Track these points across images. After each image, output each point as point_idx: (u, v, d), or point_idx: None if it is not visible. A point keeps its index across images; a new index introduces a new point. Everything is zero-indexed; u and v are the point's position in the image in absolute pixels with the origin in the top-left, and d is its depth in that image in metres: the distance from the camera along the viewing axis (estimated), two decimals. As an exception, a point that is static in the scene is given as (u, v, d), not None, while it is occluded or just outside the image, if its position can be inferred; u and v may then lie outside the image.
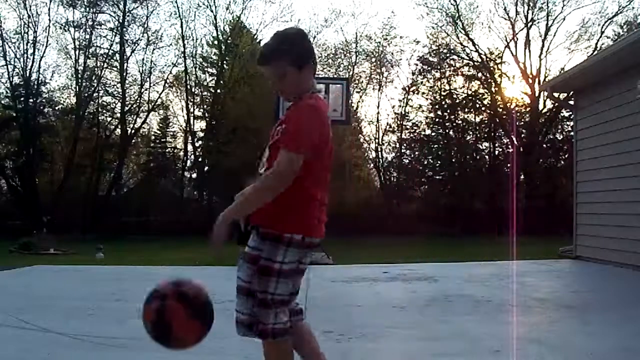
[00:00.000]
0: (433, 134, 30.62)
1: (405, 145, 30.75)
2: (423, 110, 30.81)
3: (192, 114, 32.06)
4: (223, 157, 29.30)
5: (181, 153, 32.96)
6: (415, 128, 30.83)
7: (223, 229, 2.21)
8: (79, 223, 25.46)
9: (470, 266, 8.84)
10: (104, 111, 31.81)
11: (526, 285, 6.35)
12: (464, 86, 30.45)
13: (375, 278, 7.11)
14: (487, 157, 30.73)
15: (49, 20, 30.40)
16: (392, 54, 30.73)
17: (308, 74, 2.29)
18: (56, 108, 31.17)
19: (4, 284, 6.88)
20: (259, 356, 3.44)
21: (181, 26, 31.00)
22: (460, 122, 30.32)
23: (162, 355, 3.71)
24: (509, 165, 27.96)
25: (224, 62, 31.91)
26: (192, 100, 31.94)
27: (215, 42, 32.05)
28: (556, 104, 21.53)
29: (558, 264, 8.83)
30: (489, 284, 6.50)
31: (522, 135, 29.29)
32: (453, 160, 30.03)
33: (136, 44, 30.75)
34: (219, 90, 31.54)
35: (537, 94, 27.91)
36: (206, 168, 32.11)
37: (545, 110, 28.73)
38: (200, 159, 32.18)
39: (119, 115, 31.00)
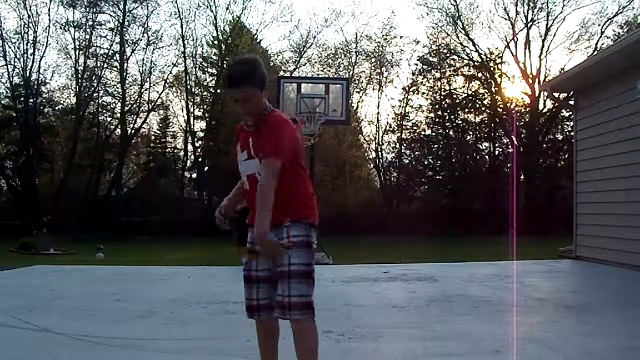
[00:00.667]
0: (433, 134, 30.61)
1: (405, 145, 30.75)
2: (423, 110, 30.82)
3: (192, 114, 32.07)
4: (223, 157, 29.30)
5: (181, 153, 32.96)
6: (415, 128, 30.83)
7: (268, 241, 2.49)
8: (79, 223, 25.44)
9: (470, 266, 8.85)
10: (104, 111, 31.83)
11: (526, 285, 6.35)
12: (464, 86, 30.48)
13: (375, 278, 7.11)
14: (487, 157, 30.74)
15: (49, 20, 30.40)
16: (392, 54, 30.77)
17: (265, 96, 2.67)
18: (56, 108, 31.18)
19: (4, 284, 6.88)
20: (258, 356, 3.44)
21: (181, 26, 31.03)
22: (460, 122, 30.31)
23: (162, 355, 3.72)
24: (509, 165, 27.96)
25: (224, 62, 31.89)
26: (192, 100, 31.94)
27: (215, 42, 32.05)
28: (556, 104, 21.55)
29: (558, 264, 8.83)
30: (489, 284, 6.50)
31: (522, 135, 29.29)
32: (453, 160, 30.03)
33: (136, 44, 30.77)
34: (219, 90, 31.53)
35: (537, 94, 27.91)
36: (206, 168, 32.11)
37: (545, 110, 28.73)
38: (200, 159, 32.18)
39: (119, 115, 30.99)
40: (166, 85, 31.39)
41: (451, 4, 28.94)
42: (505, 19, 28.96)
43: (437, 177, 30.59)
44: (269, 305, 2.64)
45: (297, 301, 2.51)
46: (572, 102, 10.02)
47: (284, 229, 2.55)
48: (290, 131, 2.61)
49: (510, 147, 29.30)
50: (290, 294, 2.51)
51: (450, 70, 30.33)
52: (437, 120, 30.20)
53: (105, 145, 30.94)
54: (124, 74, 30.48)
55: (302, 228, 2.57)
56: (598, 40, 27.63)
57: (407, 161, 31.16)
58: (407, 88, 30.49)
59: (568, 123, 26.72)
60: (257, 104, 2.64)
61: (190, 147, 32.32)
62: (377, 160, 31.33)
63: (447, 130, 30.17)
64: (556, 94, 10.78)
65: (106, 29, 30.69)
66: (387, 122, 31.20)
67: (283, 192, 2.50)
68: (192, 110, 32.03)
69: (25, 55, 28.75)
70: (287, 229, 2.55)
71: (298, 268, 2.53)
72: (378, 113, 30.90)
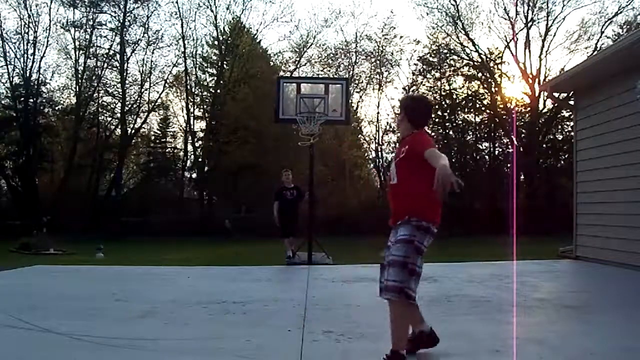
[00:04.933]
0: (433, 134, 30.59)
1: (405, 145, 30.73)
2: (423, 110, 30.79)
3: (192, 114, 32.11)
4: (223, 157, 29.31)
5: (181, 153, 33.00)
6: (415, 128, 30.81)
7: (451, 177, 3.05)
8: (79, 223, 25.46)
9: (470, 266, 8.83)
10: (104, 111, 31.88)
11: (526, 285, 6.35)
12: (464, 86, 30.49)
13: (375, 278, 7.03)
14: (487, 157, 30.74)
15: (50, 20, 30.51)
16: (392, 54, 30.80)
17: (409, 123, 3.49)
18: (56, 108, 31.22)
19: (4, 284, 6.87)
20: (259, 356, 3.44)
21: (181, 26, 31.13)
22: (460, 122, 30.33)
23: (162, 355, 3.72)
24: (509, 165, 27.95)
25: (224, 62, 31.92)
26: (192, 100, 31.97)
27: (216, 42, 32.08)
28: (556, 104, 21.54)
29: (558, 264, 8.82)
30: (489, 284, 6.50)
31: (522, 135, 29.28)
32: (453, 160, 30.00)
33: (136, 44, 30.82)
34: (219, 90, 31.55)
35: (537, 94, 27.91)
36: (206, 168, 32.12)
37: (545, 110, 28.73)
38: (200, 159, 32.19)
39: (119, 115, 31.02)
40: (166, 85, 31.46)
41: (451, 4, 29.00)
42: (505, 19, 29.03)
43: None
44: None
45: (391, 285, 3.15)
46: (572, 102, 10.00)
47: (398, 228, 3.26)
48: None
49: (510, 147, 29.30)
50: (387, 279, 3.17)
51: (450, 70, 30.36)
52: (437, 120, 30.19)
53: (105, 145, 30.96)
54: (124, 74, 30.54)
55: (418, 230, 3.22)
56: (598, 40, 27.67)
57: (407, 161, 31.14)
58: (407, 88, 30.50)
59: (568, 123, 26.73)
60: (402, 125, 3.63)
61: (190, 147, 32.37)
62: (377, 160, 31.37)
63: (447, 130, 30.17)
64: (556, 94, 10.77)
65: (107, 29, 30.79)
66: (387, 122, 31.23)
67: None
68: (192, 110, 32.09)
69: (26, 55, 28.84)
70: (398, 227, 3.25)
71: (396, 259, 3.17)
72: (378, 113, 30.95)
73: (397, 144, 30.52)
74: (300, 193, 9.47)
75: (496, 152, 30.31)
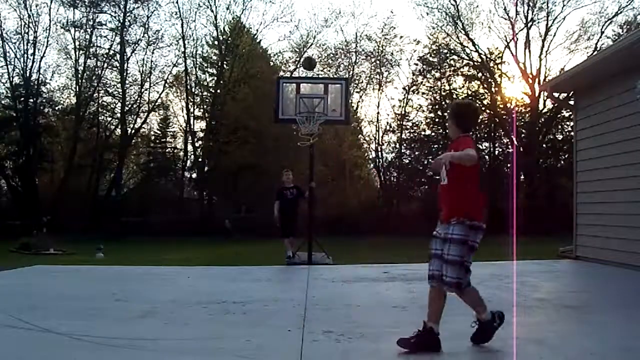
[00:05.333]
0: (433, 134, 30.61)
1: (405, 145, 30.75)
2: (423, 110, 30.83)
3: (192, 114, 32.10)
4: (223, 157, 29.30)
5: (181, 153, 33.00)
6: (415, 128, 30.83)
7: (441, 163, 3.63)
8: (79, 223, 25.47)
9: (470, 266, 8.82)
10: (104, 111, 31.87)
11: (526, 285, 6.35)
12: (464, 86, 30.48)
13: (375, 278, 7.10)
14: (487, 157, 30.73)
15: (50, 20, 30.48)
16: (392, 54, 30.79)
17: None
18: (56, 108, 31.22)
19: (4, 284, 6.87)
20: (259, 356, 3.45)
21: (182, 26, 31.06)
22: (460, 122, 30.29)
23: (162, 355, 3.72)
24: (509, 165, 27.95)
25: (224, 62, 31.92)
26: (192, 100, 31.96)
27: (216, 42, 32.07)
28: (556, 104, 21.54)
29: (558, 264, 8.82)
30: (489, 284, 6.48)
31: (522, 135, 29.28)
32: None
33: (137, 44, 30.81)
34: (219, 90, 31.55)
35: (537, 94, 27.91)
36: (206, 168, 32.12)
37: (545, 110, 28.73)
38: (200, 159, 32.19)
39: (119, 115, 31.02)
40: (166, 85, 31.47)
41: (451, 4, 29.00)
42: (505, 19, 29.03)
43: (437, 177, 30.56)
44: (440, 275, 3.56)
45: (450, 281, 3.53)
46: (572, 102, 10.00)
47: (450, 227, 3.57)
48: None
49: (510, 147, 29.29)
50: (447, 275, 3.53)
51: (450, 70, 30.35)
52: (437, 120, 30.20)
53: (105, 145, 30.97)
54: (124, 74, 30.54)
55: (471, 230, 3.54)
56: (598, 40, 27.67)
57: (407, 161, 31.16)
58: (407, 88, 30.52)
59: (568, 123, 26.73)
60: (451, 130, 4.02)
61: (190, 147, 32.36)
62: (377, 160, 31.37)
63: (447, 130, 30.09)
64: (556, 94, 10.77)
65: (107, 29, 30.77)
66: (387, 122, 31.26)
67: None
68: (192, 110, 32.08)
69: (26, 55, 28.84)
70: (451, 226, 3.56)
71: (453, 258, 3.52)
72: (378, 113, 30.95)
73: (397, 144, 30.29)
74: (301, 191, 9.53)
75: (496, 152, 30.32)
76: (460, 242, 3.52)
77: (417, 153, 30.78)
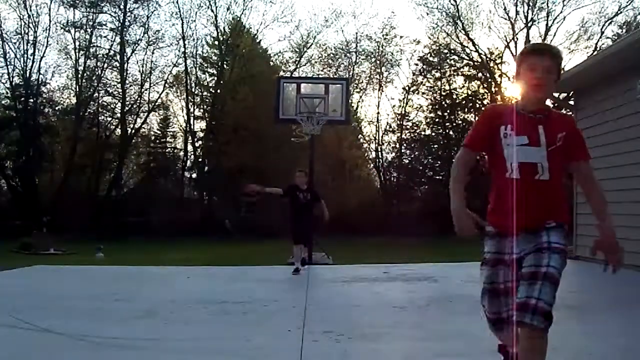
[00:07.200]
0: (433, 134, 30.61)
1: (405, 145, 30.75)
2: (423, 110, 30.84)
3: (192, 114, 32.08)
4: (223, 157, 29.30)
5: (181, 153, 32.96)
6: (415, 128, 30.83)
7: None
8: (79, 223, 25.45)
9: (470, 266, 8.80)
10: (104, 111, 31.84)
11: (526, 285, 6.34)
12: (464, 86, 30.48)
13: (375, 278, 7.10)
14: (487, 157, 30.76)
15: (50, 20, 30.42)
16: (392, 54, 30.79)
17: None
18: (56, 108, 31.20)
19: (4, 284, 6.87)
20: (259, 356, 3.44)
21: (182, 26, 31.03)
22: (460, 122, 30.31)
23: (162, 355, 3.72)
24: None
25: (224, 62, 31.90)
26: (192, 100, 31.94)
27: (216, 43, 32.05)
28: (556, 104, 21.51)
29: (558, 264, 8.82)
30: (489, 284, 6.49)
31: (522, 135, 29.27)
32: (453, 160, 30.04)
33: (137, 44, 30.78)
34: (219, 90, 31.54)
35: (537, 94, 27.88)
36: (206, 168, 32.12)
37: (545, 110, 28.72)
38: (200, 159, 32.18)
39: (119, 115, 31.00)
40: (166, 85, 31.43)
41: (451, 4, 29.01)
42: (505, 19, 29.03)
43: (437, 177, 30.60)
44: (524, 304, 2.39)
45: (543, 307, 2.33)
46: (572, 102, 10.01)
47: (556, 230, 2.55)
48: None
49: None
50: (540, 297, 2.34)
51: (450, 70, 30.35)
52: (437, 120, 30.20)
53: (105, 145, 30.94)
54: (124, 74, 30.52)
55: (562, 235, 2.59)
56: (598, 40, 27.67)
57: (407, 161, 31.16)
58: (407, 88, 30.52)
59: (568, 123, 26.69)
60: (553, 88, 2.71)
61: (190, 147, 32.34)
62: (377, 160, 31.35)
63: (447, 130, 30.16)
64: (556, 94, 10.77)
65: (107, 29, 30.74)
66: (387, 122, 31.26)
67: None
68: (192, 110, 32.06)
69: (25, 55, 28.81)
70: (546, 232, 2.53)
71: (555, 273, 2.41)
72: (378, 113, 30.94)
73: (397, 144, 30.09)
74: (317, 196, 8.17)
75: (496, 152, 30.30)
76: (563, 251, 2.54)
77: (417, 153, 30.78)
